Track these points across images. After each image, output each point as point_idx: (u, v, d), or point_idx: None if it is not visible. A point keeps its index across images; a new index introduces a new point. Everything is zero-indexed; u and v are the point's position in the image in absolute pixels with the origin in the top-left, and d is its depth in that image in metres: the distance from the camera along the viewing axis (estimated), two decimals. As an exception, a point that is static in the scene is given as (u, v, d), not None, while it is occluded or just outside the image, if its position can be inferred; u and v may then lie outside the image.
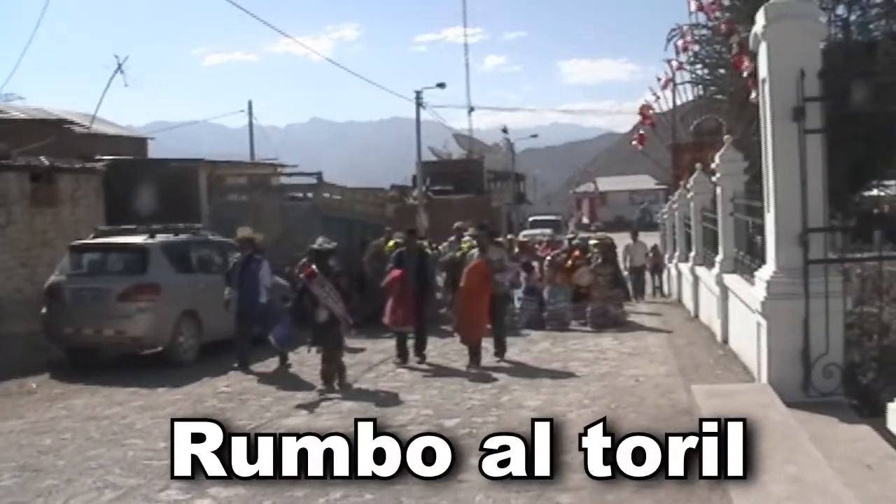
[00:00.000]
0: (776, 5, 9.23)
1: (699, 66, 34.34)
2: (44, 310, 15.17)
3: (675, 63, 32.41)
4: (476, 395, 11.53)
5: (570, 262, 19.93)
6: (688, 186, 20.10)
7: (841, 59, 14.99)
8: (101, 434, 9.93)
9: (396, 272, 14.06)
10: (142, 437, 9.70)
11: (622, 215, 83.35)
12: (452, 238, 20.41)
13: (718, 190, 14.82)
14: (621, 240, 25.90)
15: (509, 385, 12.09)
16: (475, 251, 14.75)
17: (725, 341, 13.96)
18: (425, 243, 18.85)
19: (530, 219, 63.35)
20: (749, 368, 11.32)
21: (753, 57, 11.42)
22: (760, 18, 9.37)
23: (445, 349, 15.33)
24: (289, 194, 27.55)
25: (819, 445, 7.16)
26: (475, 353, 13.84)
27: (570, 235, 24.74)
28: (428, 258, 15.35)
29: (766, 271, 9.60)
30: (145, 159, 29.34)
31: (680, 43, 31.68)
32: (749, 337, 10.89)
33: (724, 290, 13.86)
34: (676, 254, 24.10)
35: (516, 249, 22.29)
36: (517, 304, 18.79)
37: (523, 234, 40.57)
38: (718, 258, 14.58)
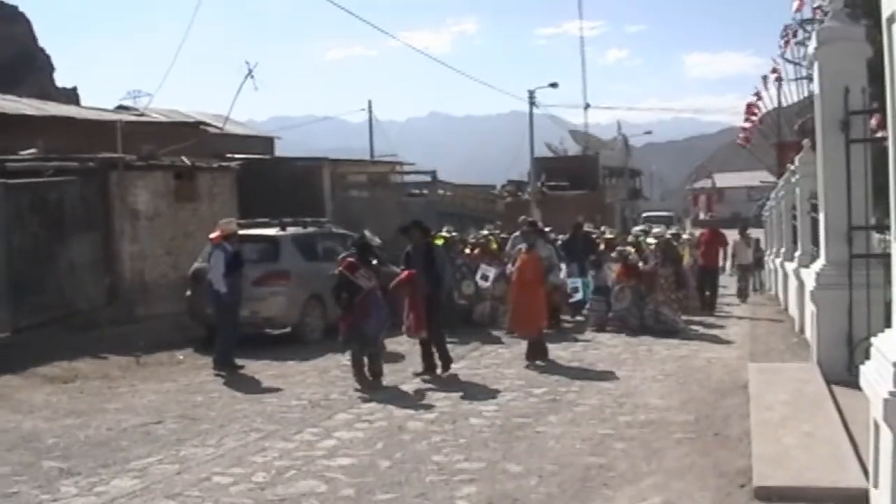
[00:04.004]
0: (826, 29, 10.50)
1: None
2: (188, 293, 17.19)
3: (779, 61, 33.01)
4: (564, 370, 13.08)
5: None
6: (780, 186, 21.13)
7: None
8: (243, 394, 11.84)
9: (404, 274, 12.88)
10: (277, 397, 11.60)
11: (739, 211, 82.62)
12: (517, 233, 18.96)
13: (797, 190, 15.95)
14: (732, 237, 26.07)
15: (596, 363, 13.62)
16: (521, 246, 14.83)
17: (802, 331, 15.10)
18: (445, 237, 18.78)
19: (643, 215, 64.02)
20: (815, 354, 12.54)
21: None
22: (813, 41, 10.64)
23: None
24: (406, 191, 29.30)
25: (847, 413, 8.43)
26: (536, 346, 13.84)
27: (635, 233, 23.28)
28: (436, 254, 13.58)
29: (818, 264, 10.88)
30: (274, 158, 31.46)
31: (783, 42, 32.21)
32: (814, 325, 12.09)
33: (801, 283, 15.01)
34: (774, 250, 25.04)
35: (602, 246, 20.61)
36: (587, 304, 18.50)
37: (634, 231, 41.19)
38: (797, 253, 15.73)
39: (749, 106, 35.33)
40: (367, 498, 7.11)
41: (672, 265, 18.30)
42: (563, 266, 17.74)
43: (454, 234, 19.46)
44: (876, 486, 5.89)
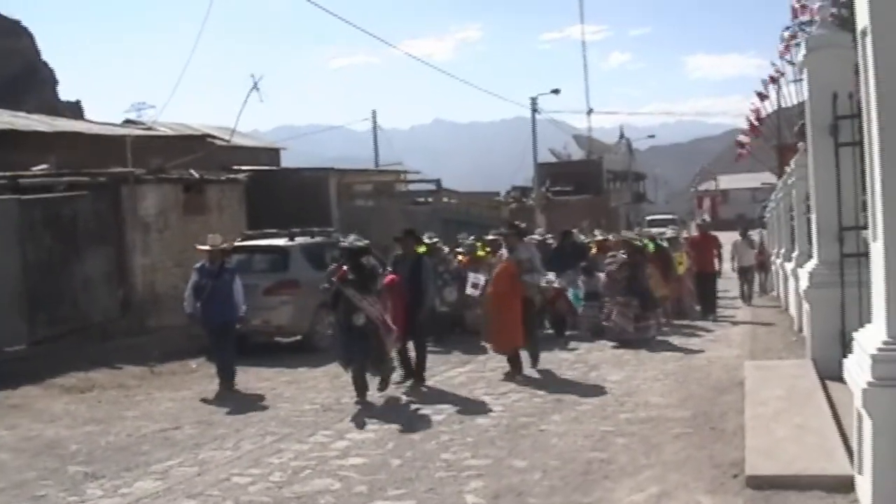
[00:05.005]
0: (814, 37, 10.88)
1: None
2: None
3: (777, 65, 33.28)
4: (568, 371, 13.59)
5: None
6: (778, 188, 21.48)
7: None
8: (256, 400, 12.28)
9: (388, 278, 12.60)
10: (290, 402, 12.02)
11: (744, 213, 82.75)
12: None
13: (793, 192, 16.28)
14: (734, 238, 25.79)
15: (599, 364, 14.07)
16: (503, 251, 14.05)
17: (800, 330, 15.43)
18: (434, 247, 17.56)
19: (647, 218, 64.39)
20: (812, 352, 12.87)
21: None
22: (803, 48, 11.01)
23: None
24: (411, 199, 29.68)
25: (838, 407, 8.75)
26: (513, 362, 13.36)
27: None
28: (424, 265, 13.43)
29: (811, 264, 11.24)
30: (282, 169, 31.72)
31: (782, 47, 32.53)
32: (810, 323, 12.42)
33: (798, 283, 15.35)
34: (775, 251, 25.33)
35: (594, 250, 20.06)
36: (579, 310, 18.10)
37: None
38: (794, 253, 16.06)
39: (756, 112, 35.33)
40: (380, 493, 7.49)
41: (629, 269, 16.96)
42: (551, 275, 16.06)
43: (436, 240, 18.62)
44: (860, 472, 6.25)
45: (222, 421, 10.86)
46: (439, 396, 11.93)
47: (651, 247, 18.98)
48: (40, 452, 9.60)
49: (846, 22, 14.75)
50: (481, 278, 16.40)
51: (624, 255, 17.31)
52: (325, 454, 8.95)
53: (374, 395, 11.95)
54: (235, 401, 12.24)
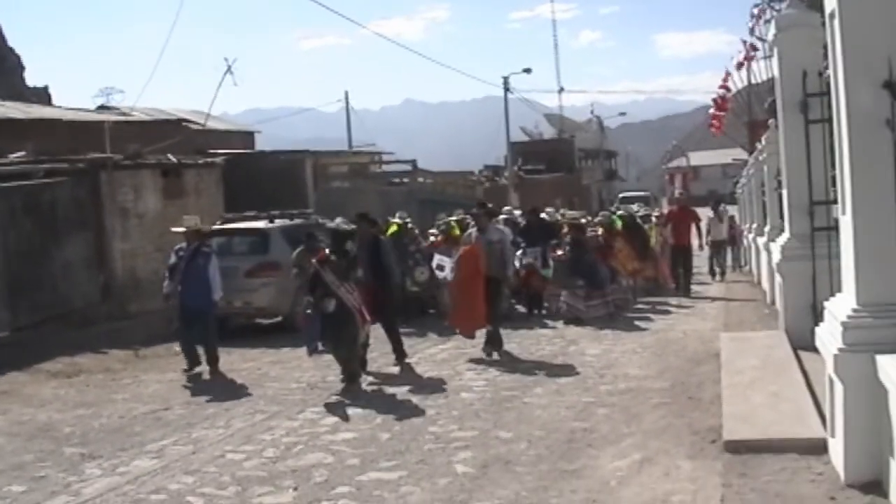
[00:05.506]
0: (785, 17, 11.15)
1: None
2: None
3: (748, 42, 33.52)
4: (548, 346, 13.93)
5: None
6: (750, 164, 21.85)
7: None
8: (243, 380, 12.50)
9: None
10: (277, 381, 12.24)
11: (715, 189, 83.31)
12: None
13: (765, 168, 16.63)
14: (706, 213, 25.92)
15: (578, 339, 14.41)
16: (472, 231, 13.85)
17: (773, 302, 15.80)
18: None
19: (620, 195, 64.80)
20: (784, 324, 13.22)
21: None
22: (773, 28, 11.29)
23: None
24: (387, 180, 29.88)
25: (811, 375, 9.07)
26: (492, 339, 13.20)
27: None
28: (383, 246, 13.16)
29: (783, 238, 11.56)
30: (258, 152, 31.84)
31: (751, 24, 32.77)
32: (782, 296, 12.75)
33: (771, 257, 15.70)
34: (747, 226, 25.75)
35: (564, 228, 19.13)
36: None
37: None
38: (766, 228, 16.42)
39: (722, 98, 35.55)
40: (372, 465, 7.75)
41: (573, 250, 17.17)
42: (518, 253, 16.53)
43: (407, 220, 18.69)
44: (833, 435, 6.56)
45: (211, 401, 11.06)
46: (423, 372, 12.21)
47: (619, 223, 19.40)
48: (35, 436, 9.76)
49: (815, 1, 15.06)
50: (447, 260, 15.63)
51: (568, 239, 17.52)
52: (315, 430, 9.19)
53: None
54: (222, 381, 12.47)
